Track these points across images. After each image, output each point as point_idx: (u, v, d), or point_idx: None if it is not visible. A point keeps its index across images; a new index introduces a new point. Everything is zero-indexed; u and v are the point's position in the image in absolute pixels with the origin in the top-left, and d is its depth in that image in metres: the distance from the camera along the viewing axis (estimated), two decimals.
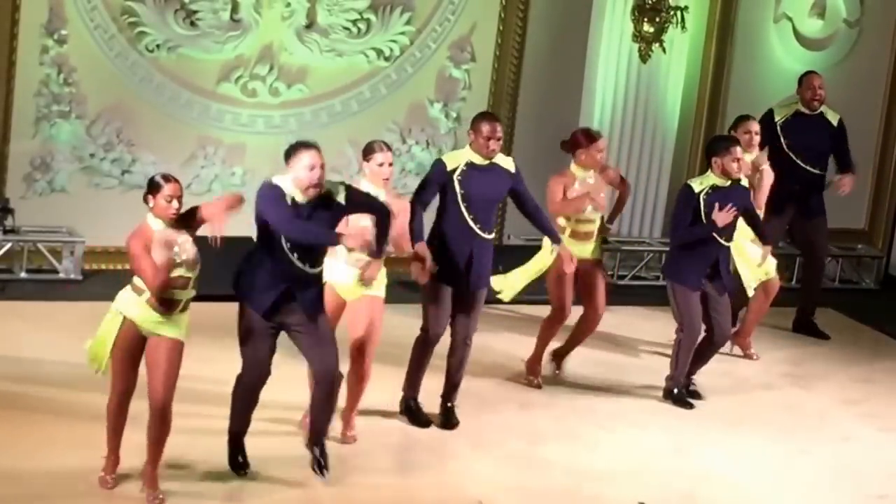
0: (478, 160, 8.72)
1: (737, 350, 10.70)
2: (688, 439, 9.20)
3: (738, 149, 9.55)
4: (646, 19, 12.27)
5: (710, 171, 9.56)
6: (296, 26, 11.61)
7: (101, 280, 11.06)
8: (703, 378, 10.20)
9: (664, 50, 12.34)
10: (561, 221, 9.59)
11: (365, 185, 8.32)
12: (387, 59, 11.93)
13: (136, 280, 7.32)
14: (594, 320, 9.75)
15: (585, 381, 9.90)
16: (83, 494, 7.48)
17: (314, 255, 7.67)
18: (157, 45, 11.29)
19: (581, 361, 10.03)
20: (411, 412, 8.92)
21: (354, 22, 11.78)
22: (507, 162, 8.87)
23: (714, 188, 9.50)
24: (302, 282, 7.63)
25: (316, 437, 7.82)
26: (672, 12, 12.28)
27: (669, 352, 9.99)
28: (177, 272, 7.26)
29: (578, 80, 12.34)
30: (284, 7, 11.54)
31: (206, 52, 11.43)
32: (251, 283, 7.64)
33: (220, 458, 7.85)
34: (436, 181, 8.71)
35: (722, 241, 9.51)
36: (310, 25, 11.66)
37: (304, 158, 7.54)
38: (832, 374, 10.77)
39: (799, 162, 11.16)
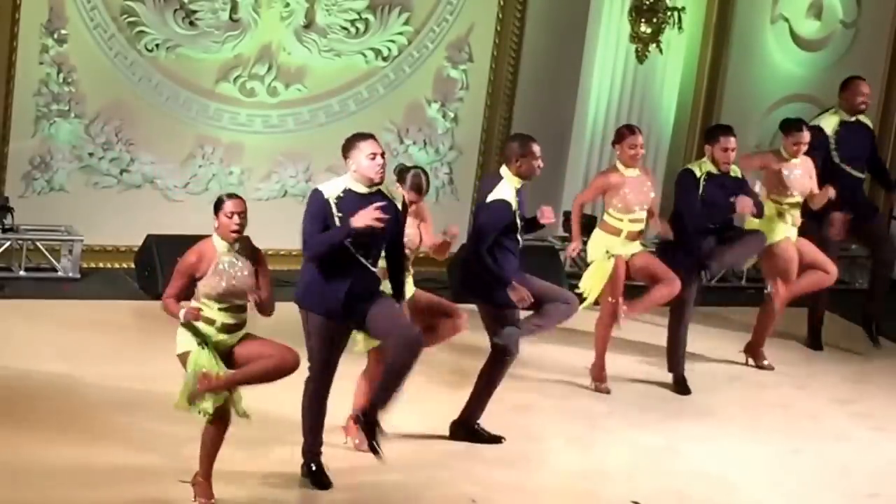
0: (518, 185, 8.64)
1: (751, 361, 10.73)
2: (681, 438, 9.24)
3: (731, 139, 9.75)
4: (643, 20, 12.29)
5: (705, 157, 9.87)
6: (294, 26, 11.65)
7: (100, 279, 11.12)
8: (697, 378, 10.28)
9: (661, 50, 12.37)
10: (614, 223, 9.66)
11: None
12: (385, 59, 11.97)
13: (206, 312, 7.29)
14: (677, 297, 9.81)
15: (579, 381, 9.94)
16: (82, 492, 7.52)
17: (374, 251, 7.75)
18: (157, 45, 11.33)
19: (574, 361, 10.07)
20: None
21: (353, 22, 11.82)
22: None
23: (710, 175, 9.77)
24: (365, 278, 7.72)
25: (372, 408, 7.82)
26: (669, 13, 12.31)
27: (663, 352, 10.09)
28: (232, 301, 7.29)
29: (575, 81, 12.37)
30: (283, 7, 11.57)
31: (205, 51, 11.47)
32: (315, 290, 7.72)
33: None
34: (505, 223, 8.60)
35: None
36: (308, 25, 11.70)
37: (365, 148, 7.69)
38: (825, 373, 10.81)
39: (847, 169, 10.96)
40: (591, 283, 9.77)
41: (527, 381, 9.78)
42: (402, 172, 8.43)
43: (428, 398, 9.05)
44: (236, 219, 7.26)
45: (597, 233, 9.83)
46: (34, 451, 7.88)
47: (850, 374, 10.85)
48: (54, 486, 7.53)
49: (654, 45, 12.34)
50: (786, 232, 10.35)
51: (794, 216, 10.41)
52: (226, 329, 7.34)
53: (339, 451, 8.30)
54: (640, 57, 12.35)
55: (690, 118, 12.79)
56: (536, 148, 8.66)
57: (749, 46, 12.99)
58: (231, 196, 7.35)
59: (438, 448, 8.68)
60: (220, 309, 7.30)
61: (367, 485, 8.05)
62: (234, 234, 7.27)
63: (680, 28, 12.38)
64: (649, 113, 12.46)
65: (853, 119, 11.14)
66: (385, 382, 7.79)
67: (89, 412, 8.47)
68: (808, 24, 13.12)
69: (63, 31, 11.07)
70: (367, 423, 7.76)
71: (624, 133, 9.74)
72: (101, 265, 11.32)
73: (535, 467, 8.60)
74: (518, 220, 8.62)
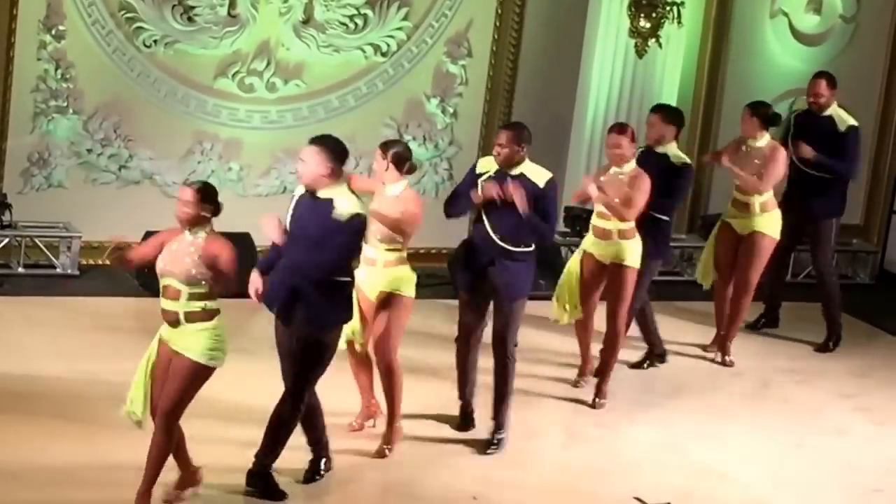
0: (506, 168, 8.63)
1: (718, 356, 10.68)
2: (683, 434, 9.23)
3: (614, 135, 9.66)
4: (642, 14, 12.27)
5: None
6: (293, 22, 11.63)
7: (98, 275, 11.10)
8: (700, 373, 10.28)
9: (660, 45, 12.34)
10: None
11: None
12: (384, 54, 11.95)
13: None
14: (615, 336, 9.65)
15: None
16: (82, 491, 7.51)
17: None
18: (155, 41, 11.31)
19: (573, 358, 10.04)
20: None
21: (351, 17, 11.79)
22: (539, 174, 8.64)
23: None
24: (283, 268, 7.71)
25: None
26: (668, 7, 12.28)
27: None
28: (165, 280, 7.24)
29: (575, 76, 12.36)
30: (281, 3, 11.55)
31: (204, 47, 11.45)
32: (331, 307, 7.66)
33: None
34: (467, 180, 8.70)
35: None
36: (307, 21, 11.68)
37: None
38: (827, 368, 10.80)
39: (794, 159, 10.93)
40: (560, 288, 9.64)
41: (526, 377, 9.75)
42: (386, 144, 8.36)
43: (428, 398, 9.03)
44: (181, 206, 7.30)
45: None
46: (33, 449, 7.86)
47: (851, 369, 10.84)
48: (53, 485, 7.51)
49: (653, 39, 12.32)
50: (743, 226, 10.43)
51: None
52: (165, 317, 7.25)
53: (339, 450, 8.27)
54: (640, 52, 12.33)
55: (690, 113, 12.75)
56: (500, 134, 8.66)
57: (749, 41, 12.97)
58: (184, 184, 7.46)
59: (439, 446, 8.67)
60: (161, 288, 7.26)
61: (368, 483, 8.02)
62: (181, 221, 7.29)
63: (679, 23, 12.36)
64: (649, 108, 12.39)
65: (825, 114, 10.99)
66: (272, 437, 7.72)
67: (88, 410, 8.45)
68: (807, 19, 13.11)
69: (61, 28, 11.05)
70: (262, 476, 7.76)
71: (606, 133, 9.69)
72: (99, 262, 11.28)
73: (536, 464, 8.59)
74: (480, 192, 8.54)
